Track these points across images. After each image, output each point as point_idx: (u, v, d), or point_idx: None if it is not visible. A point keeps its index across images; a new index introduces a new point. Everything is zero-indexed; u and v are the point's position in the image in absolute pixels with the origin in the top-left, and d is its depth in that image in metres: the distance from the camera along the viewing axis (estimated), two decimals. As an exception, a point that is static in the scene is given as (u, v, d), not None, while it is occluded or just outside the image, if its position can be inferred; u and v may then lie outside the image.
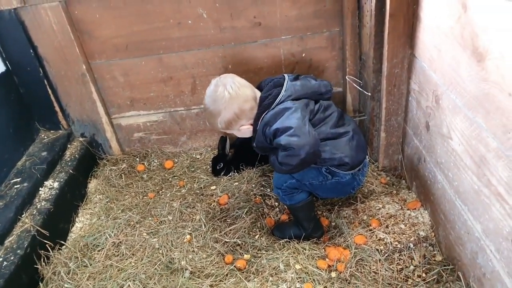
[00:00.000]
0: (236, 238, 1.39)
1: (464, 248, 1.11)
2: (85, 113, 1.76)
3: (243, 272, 1.27)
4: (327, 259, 1.28)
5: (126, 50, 1.62)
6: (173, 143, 1.88)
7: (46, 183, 1.57)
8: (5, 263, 1.23)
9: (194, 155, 1.86)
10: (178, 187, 1.69)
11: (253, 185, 1.61)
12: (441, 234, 1.25)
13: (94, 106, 1.73)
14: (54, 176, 1.61)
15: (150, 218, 1.54)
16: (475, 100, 0.94)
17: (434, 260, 1.23)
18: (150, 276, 1.29)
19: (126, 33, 1.57)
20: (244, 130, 1.26)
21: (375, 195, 1.49)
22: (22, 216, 1.41)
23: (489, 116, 0.89)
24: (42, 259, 1.34)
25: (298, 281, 1.21)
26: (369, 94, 1.47)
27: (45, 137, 1.77)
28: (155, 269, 1.31)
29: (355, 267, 1.24)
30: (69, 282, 1.30)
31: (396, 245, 1.29)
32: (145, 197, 1.66)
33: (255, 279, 1.23)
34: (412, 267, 1.22)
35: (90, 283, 1.29)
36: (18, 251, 1.27)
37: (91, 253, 1.41)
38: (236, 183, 1.65)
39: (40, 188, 1.54)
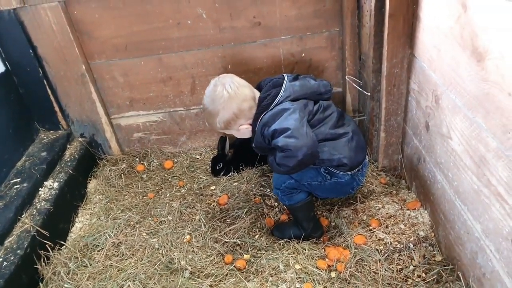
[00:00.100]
0: (236, 238, 1.39)
1: (464, 248, 1.11)
2: (84, 113, 1.76)
3: (242, 272, 1.27)
4: (326, 259, 1.28)
5: (126, 50, 1.62)
6: (173, 143, 1.88)
7: (45, 183, 1.57)
8: (5, 263, 1.23)
9: (193, 155, 1.86)
10: (177, 187, 1.69)
11: (253, 185, 1.61)
12: (441, 234, 1.25)
13: (94, 106, 1.73)
14: (53, 176, 1.61)
15: (149, 218, 1.54)
16: (475, 100, 0.94)
17: (434, 260, 1.23)
18: (150, 276, 1.29)
19: (125, 33, 1.57)
20: (243, 130, 1.26)
21: (374, 195, 1.49)
22: (22, 216, 1.41)
23: (489, 116, 0.89)
24: (42, 259, 1.35)
25: (297, 281, 1.21)
26: (369, 94, 1.47)
27: (45, 137, 1.77)
28: (155, 269, 1.31)
29: (355, 267, 1.23)
30: (69, 282, 1.30)
31: (396, 245, 1.29)
32: (144, 197, 1.66)
33: (255, 279, 1.23)
34: (411, 267, 1.22)
35: (90, 283, 1.29)
36: (18, 251, 1.27)
37: (91, 253, 1.41)
38: (236, 183, 1.65)
39: (40, 188, 1.54)
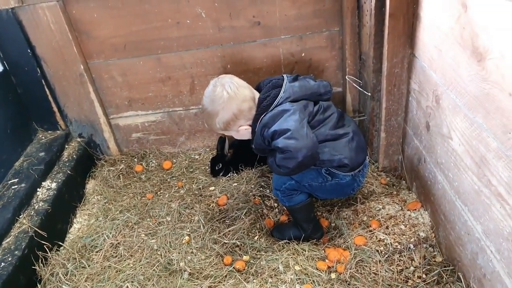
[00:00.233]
0: (235, 239, 1.38)
1: (464, 249, 1.10)
2: (83, 113, 1.75)
3: (242, 274, 1.27)
4: (326, 260, 1.27)
5: (124, 50, 1.61)
6: (172, 144, 1.87)
7: (43, 183, 1.56)
8: (2, 264, 1.22)
9: (192, 156, 1.85)
10: (176, 187, 1.69)
11: (252, 186, 1.60)
12: (441, 234, 1.25)
13: (92, 106, 1.72)
14: (51, 177, 1.60)
15: (148, 219, 1.53)
16: (475, 100, 0.94)
17: (434, 261, 1.23)
18: (148, 278, 1.28)
19: (124, 33, 1.57)
20: (243, 131, 1.25)
21: (375, 196, 1.48)
22: (20, 217, 1.40)
23: (489, 116, 0.88)
24: (40, 260, 1.34)
25: (297, 283, 1.21)
26: (369, 94, 1.47)
27: (43, 137, 1.77)
28: (154, 270, 1.30)
29: (355, 268, 1.23)
30: (67, 284, 1.29)
31: (396, 246, 1.28)
32: (143, 198, 1.66)
33: (254, 281, 1.23)
34: (412, 268, 1.22)
35: (88, 285, 1.28)
36: (16, 252, 1.27)
37: (89, 254, 1.40)
38: (235, 184, 1.64)
39: (38, 189, 1.54)
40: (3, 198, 1.43)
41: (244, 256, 1.32)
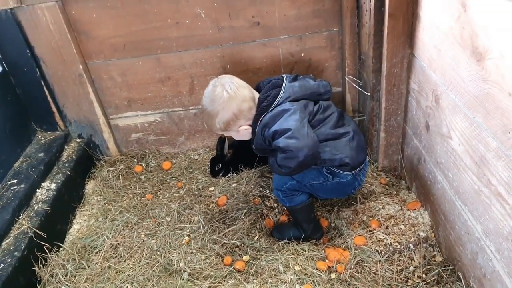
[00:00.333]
0: (235, 240, 1.38)
1: (464, 249, 1.10)
2: (82, 113, 1.75)
3: (242, 274, 1.27)
4: (326, 260, 1.27)
5: (124, 50, 1.61)
6: (171, 144, 1.87)
7: (43, 184, 1.56)
8: (2, 265, 1.22)
9: (192, 156, 1.85)
10: (176, 188, 1.68)
11: (252, 186, 1.60)
12: (441, 234, 1.25)
13: (92, 106, 1.72)
14: (51, 178, 1.60)
15: (148, 220, 1.53)
16: (475, 100, 0.94)
17: (434, 261, 1.23)
18: (148, 278, 1.28)
19: (123, 33, 1.56)
20: (243, 131, 1.25)
21: (374, 196, 1.48)
22: (19, 217, 1.40)
23: (489, 115, 0.88)
24: (39, 261, 1.33)
25: (297, 283, 1.21)
26: (369, 94, 1.47)
27: (42, 138, 1.76)
28: (154, 271, 1.30)
29: (355, 268, 1.23)
30: (67, 285, 1.29)
31: (396, 246, 1.28)
32: (143, 198, 1.65)
33: (254, 281, 1.23)
34: (412, 268, 1.22)
35: (88, 285, 1.28)
36: (15, 253, 1.26)
37: (88, 255, 1.40)
38: (235, 184, 1.64)
39: (37, 190, 1.53)
40: (2, 199, 1.43)
41: (244, 256, 1.32)
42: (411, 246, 1.28)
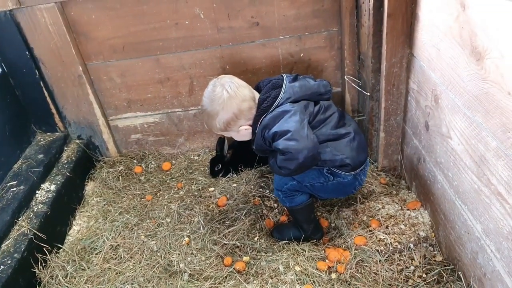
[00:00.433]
0: (235, 240, 1.38)
1: (464, 248, 1.10)
2: (81, 115, 1.74)
3: (242, 275, 1.26)
4: (327, 261, 1.27)
5: (123, 51, 1.61)
6: (171, 145, 1.87)
7: (42, 186, 1.56)
8: (2, 267, 1.22)
9: (192, 157, 1.85)
10: (176, 189, 1.68)
11: (252, 187, 1.60)
12: (441, 234, 1.25)
13: (91, 107, 1.72)
14: (51, 179, 1.60)
15: (148, 221, 1.53)
16: (474, 100, 0.94)
17: (435, 260, 1.23)
18: (148, 279, 1.28)
19: (122, 34, 1.56)
20: (243, 132, 1.25)
21: (374, 196, 1.48)
22: (19, 219, 1.40)
23: (489, 115, 0.89)
24: (39, 263, 1.33)
25: (298, 283, 1.21)
26: (368, 94, 1.47)
27: (42, 139, 1.76)
28: (154, 272, 1.30)
29: (355, 268, 1.23)
30: (67, 286, 1.29)
31: (396, 245, 1.28)
32: (142, 199, 1.65)
33: (255, 281, 1.23)
34: (412, 267, 1.22)
35: (88, 287, 1.28)
36: (15, 254, 1.26)
37: (88, 256, 1.40)
38: (235, 185, 1.64)
39: (37, 191, 1.53)
40: (2, 201, 1.42)
41: (244, 257, 1.32)
42: (411, 245, 1.28)
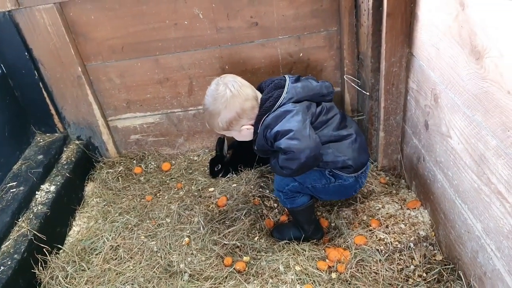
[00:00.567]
0: (235, 240, 1.38)
1: (464, 247, 1.10)
2: (81, 115, 1.74)
3: (242, 275, 1.26)
4: (327, 260, 1.27)
5: (122, 51, 1.60)
6: (170, 145, 1.87)
7: (42, 186, 1.56)
8: (2, 268, 1.22)
9: (191, 157, 1.85)
10: (176, 189, 1.68)
11: (252, 187, 1.60)
12: (441, 233, 1.25)
13: (90, 108, 1.72)
14: (50, 180, 1.60)
15: (148, 221, 1.53)
16: (474, 99, 0.94)
17: (435, 260, 1.23)
18: (148, 280, 1.28)
19: (121, 34, 1.56)
20: (245, 131, 1.24)
21: (374, 195, 1.48)
22: (19, 220, 1.40)
23: (488, 114, 0.89)
24: (39, 264, 1.33)
25: (298, 283, 1.21)
26: (368, 93, 1.47)
27: (41, 140, 1.76)
28: (154, 272, 1.30)
29: (356, 267, 1.23)
30: (67, 287, 1.29)
31: (396, 245, 1.28)
32: (142, 199, 1.65)
33: (255, 281, 1.23)
34: (412, 267, 1.22)
35: (88, 287, 1.27)
36: (15, 255, 1.26)
37: (88, 257, 1.40)
38: (235, 185, 1.64)
39: (37, 192, 1.53)
40: (1, 202, 1.42)
41: (245, 257, 1.32)
42: (412, 245, 1.28)
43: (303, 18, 1.52)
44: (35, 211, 1.44)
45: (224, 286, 1.23)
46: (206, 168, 1.76)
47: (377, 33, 1.30)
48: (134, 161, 1.84)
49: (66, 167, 1.67)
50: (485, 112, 0.90)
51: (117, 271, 1.32)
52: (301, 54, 1.60)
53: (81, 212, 1.62)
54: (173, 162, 1.83)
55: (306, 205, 1.31)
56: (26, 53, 1.57)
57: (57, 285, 1.30)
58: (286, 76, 1.25)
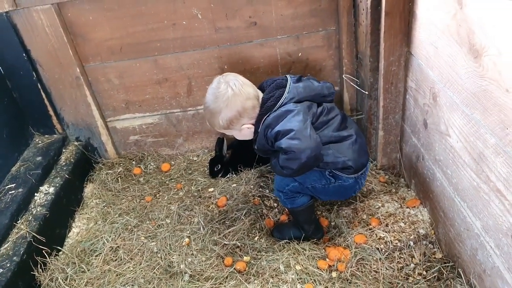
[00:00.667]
0: (235, 240, 1.38)
1: (464, 245, 1.11)
2: (80, 116, 1.74)
3: (243, 275, 1.26)
4: (327, 259, 1.28)
5: (121, 52, 1.60)
6: (170, 146, 1.86)
7: (41, 188, 1.55)
8: (1, 270, 1.21)
9: (191, 157, 1.85)
10: (175, 190, 1.68)
11: (252, 186, 1.60)
12: (441, 231, 1.25)
13: (89, 109, 1.71)
14: (49, 181, 1.59)
15: (147, 222, 1.52)
16: (472, 97, 0.94)
17: (434, 258, 1.23)
18: (149, 281, 1.28)
19: (120, 35, 1.56)
20: (245, 131, 1.24)
21: (374, 194, 1.48)
22: (18, 222, 1.39)
23: (487, 112, 0.89)
24: (39, 266, 1.33)
25: (298, 282, 1.21)
26: (366, 92, 1.47)
27: (40, 141, 1.75)
28: (154, 273, 1.30)
29: (356, 266, 1.23)
30: (67, 289, 1.29)
31: (396, 243, 1.29)
32: (142, 200, 1.65)
33: (256, 281, 1.23)
34: (412, 265, 1.22)
35: (88, 289, 1.27)
36: (14, 257, 1.25)
37: (88, 258, 1.39)
38: (234, 185, 1.64)
39: (36, 194, 1.52)
40: (0, 204, 1.42)
41: (245, 257, 1.32)
42: (411, 243, 1.28)
43: (301, 18, 1.52)
44: (34, 213, 1.43)
45: (224, 286, 1.23)
46: (205, 169, 1.76)
47: (375, 32, 1.30)
48: (134, 162, 1.84)
49: (65, 168, 1.66)
50: (484, 111, 0.90)
51: (117, 272, 1.32)
52: (300, 53, 1.61)
53: (80, 214, 1.62)
54: (173, 162, 1.83)
55: (306, 205, 1.31)
56: (24, 54, 1.56)
57: (56, 287, 1.29)
58: (288, 76, 1.25)
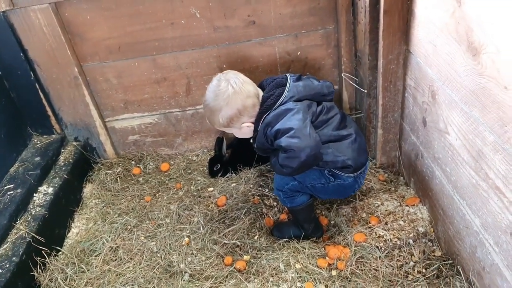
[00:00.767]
0: (235, 240, 1.38)
1: (463, 243, 1.11)
2: (78, 116, 1.73)
3: (243, 273, 1.26)
4: (327, 258, 1.28)
5: (119, 51, 1.60)
6: (169, 145, 1.86)
7: (40, 188, 1.55)
8: (0, 270, 1.21)
9: (190, 157, 1.84)
10: (175, 189, 1.68)
11: (251, 186, 1.60)
12: (440, 229, 1.25)
13: (87, 109, 1.71)
14: (48, 182, 1.59)
15: (147, 222, 1.52)
16: (471, 95, 0.94)
17: (434, 256, 1.24)
18: (149, 280, 1.28)
19: (118, 34, 1.55)
20: (245, 129, 1.24)
21: (373, 193, 1.49)
22: (17, 223, 1.39)
23: (486, 110, 0.89)
24: (38, 266, 1.32)
25: (298, 281, 1.21)
26: (365, 91, 1.47)
27: (38, 142, 1.75)
28: (154, 273, 1.30)
29: (355, 264, 1.23)
30: (67, 289, 1.28)
31: (396, 241, 1.29)
32: (141, 200, 1.65)
33: (256, 280, 1.23)
34: (412, 263, 1.22)
35: (88, 289, 1.27)
36: (14, 258, 1.25)
37: (88, 258, 1.39)
38: (234, 184, 1.64)
39: (34, 194, 1.52)
40: (-1, 204, 1.41)
41: (245, 256, 1.32)
42: (411, 241, 1.28)
43: (300, 16, 1.52)
44: (33, 213, 1.43)
45: (224, 285, 1.23)
46: (205, 168, 1.75)
47: (374, 30, 1.30)
48: (133, 162, 1.84)
49: (64, 168, 1.66)
50: (483, 108, 0.90)
51: (117, 272, 1.32)
52: (299, 52, 1.60)
53: (79, 214, 1.61)
54: (172, 162, 1.83)
55: (306, 204, 1.31)
56: (21, 54, 1.56)
57: (56, 287, 1.29)
58: (288, 75, 1.25)
